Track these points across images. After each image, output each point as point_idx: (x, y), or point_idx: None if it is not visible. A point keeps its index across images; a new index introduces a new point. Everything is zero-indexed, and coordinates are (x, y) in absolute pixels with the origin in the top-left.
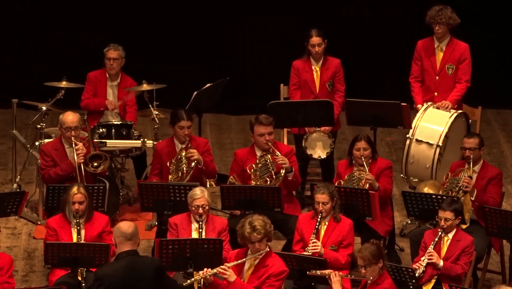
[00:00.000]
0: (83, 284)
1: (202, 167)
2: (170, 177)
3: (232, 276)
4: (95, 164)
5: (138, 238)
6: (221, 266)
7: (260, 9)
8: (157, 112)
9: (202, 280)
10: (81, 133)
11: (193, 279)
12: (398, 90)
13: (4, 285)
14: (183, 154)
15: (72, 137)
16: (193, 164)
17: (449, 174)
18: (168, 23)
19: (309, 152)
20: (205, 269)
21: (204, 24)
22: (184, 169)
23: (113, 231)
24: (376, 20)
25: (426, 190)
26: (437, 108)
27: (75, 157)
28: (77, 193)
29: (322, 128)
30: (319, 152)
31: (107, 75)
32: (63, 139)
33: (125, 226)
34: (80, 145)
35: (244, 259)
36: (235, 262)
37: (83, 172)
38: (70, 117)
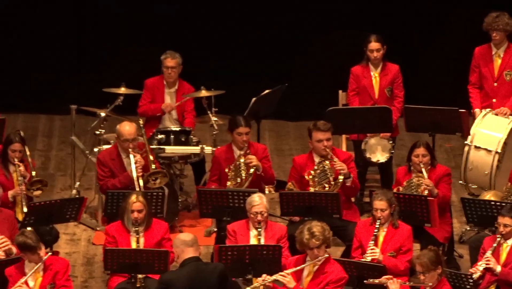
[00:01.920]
0: None
1: (261, 173)
2: (228, 183)
3: (291, 283)
4: (154, 178)
5: (198, 246)
6: (280, 273)
7: (319, 16)
8: (215, 119)
9: (261, 286)
10: (138, 139)
11: (252, 286)
12: (457, 97)
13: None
14: (242, 160)
15: (130, 149)
16: (251, 170)
17: (510, 183)
18: (227, 29)
19: (368, 155)
20: (264, 276)
21: (263, 30)
22: (243, 175)
23: (173, 243)
24: (434, 26)
25: (488, 197)
26: (496, 114)
27: (133, 170)
28: (136, 201)
29: (381, 134)
30: (378, 156)
31: (165, 82)
32: (120, 149)
33: (183, 235)
34: (138, 156)
35: (303, 265)
36: (294, 269)
37: (140, 184)
38: (127, 128)
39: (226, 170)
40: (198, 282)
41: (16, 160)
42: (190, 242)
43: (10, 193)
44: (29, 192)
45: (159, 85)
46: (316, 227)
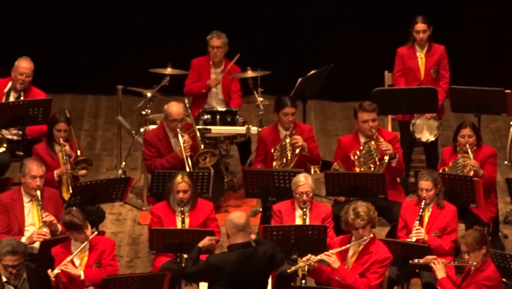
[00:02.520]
0: None
1: (307, 154)
2: (274, 163)
3: (336, 262)
4: (203, 158)
5: (250, 227)
6: (325, 253)
7: None
8: (261, 99)
9: (306, 266)
10: (185, 119)
11: (297, 265)
12: (503, 78)
13: (107, 268)
14: (288, 141)
15: (178, 129)
16: (297, 150)
17: None
18: (274, 10)
19: (417, 135)
20: (309, 255)
21: (310, 10)
22: (289, 155)
23: (225, 222)
24: (479, 7)
25: None
26: None
27: (182, 150)
28: (181, 182)
29: (427, 114)
30: (427, 135)
31: (211, 62)
32: (167, 129)
33: (236, 217)
34: (186, 136)
35: (348, 245)
36: (339, 249)
37: (189, 163)
38: (175, 108)
39: (272, 150)
40: (244, 269)
41: (61, 139)
42: (241, 226)
43: (56, 172)
44: (75, 171)
45: (205, 65)
46: (362, 207)
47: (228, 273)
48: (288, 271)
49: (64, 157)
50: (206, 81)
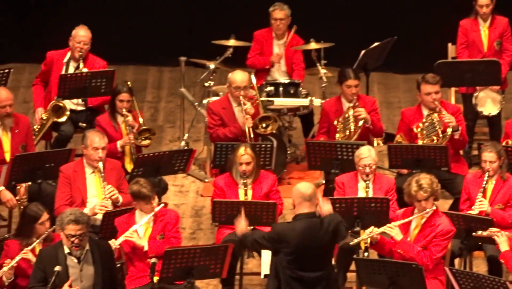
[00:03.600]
0: None
1: (370, 126)
2: (337, 135)
3: (398, 235)
4: (264, 125)
5: (316, 199)
6: (388, 225)
7: None
8: (324, 71)
9: (369, 238)
10: (249, 91)
11: (360, 238)
12: None
13: (170, 240)
14: (351, 113)
15: (241, 97)
16: (360, 123)
17: None
18: None
19: (479, 109)
20: (372, 228)
21: None
22: (352, 127)
23: (292, 192)
24: None
25: None
26: None
27: (245, 121)
28: (244, 154)
29: (490, 87)
30: (489, 108)
31: (274, 34)
32: (231, 98)
33: (304, 187)
34: (249, 104)
35: (411, 217)
36: (402, 221)
37: (251, 134)
38: (239, 76)
39: (335, 122)
40: (310, 239)
41: (124, 110)
42: (308, 196)
43: (119, 143)
44: (138, 142)
45: (268, 37)
46: (425, 179)
47: (293, 242)
48: (351, 243)
49: (127, 128)
50: (269, 55)
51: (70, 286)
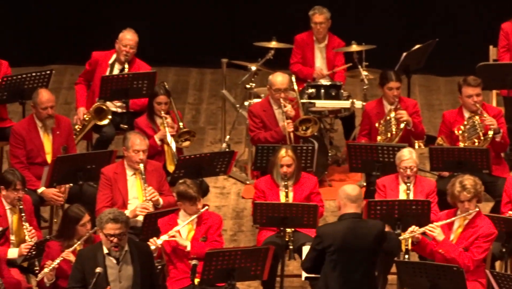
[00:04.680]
0: (291, 245)
1: (411, 128)
2: (379, 138)
3: (440, 235)
4: (304, 127)
5: (362, 201)
6: (430, 225)
7: None
8: (366, 73)
9: (410, 239)
10: (290, 94)
11: (401, 237)
12: None
13: (213, 244)
14: (392, 115)
15: (281, 99)
16: (402, 125)
17: None
18: None
19: None
20: (413, 227)
21: None
22: (393, 130)
23: (338, 193)
24: None
25: None
26: None
27: (286, 125)
28: (285, 155)
29: None
30: None
31: (314, 38)
32: (271, 100)
33: (350, 188)
34: (289, 106)
35: (453, 218)
36: (444, 221)
37: (292, 138)
38: (279, 78)
39: (377, 125)
40: (353, 240)
41: (162, 112)
42: (354, 197)
43: (157, 137)
44: (178, 144)
45: (308, 40)
46: (468, 180)
47: (336, 241)
48: (400, 238)
49: (167, 129)
50: (310, 58)
51: None
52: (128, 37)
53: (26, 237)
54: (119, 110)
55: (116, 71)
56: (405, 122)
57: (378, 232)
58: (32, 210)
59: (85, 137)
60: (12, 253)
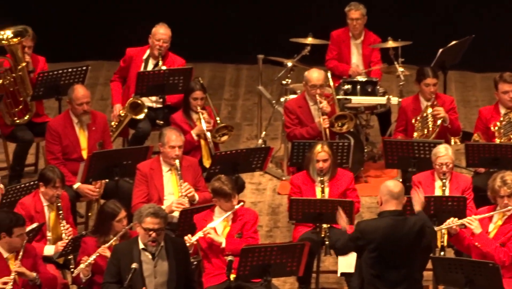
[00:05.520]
0: (326, 241)
1: (448, 125)
2: (415, 134)
3: (478, 228)
4: (340, 123)
5: (404, 198)
6: (469, 217)
7: None
8: (402, 69)
9: (446, 234)
10: (326, 90)
11: (438, 227)
12: None
13: (248, 240)
14: (429, 112)
15: (317, 95)
16: (439, 122)
17: None
18: None
19: None
20: (451, 219)
21: None
22: (430, 126)
23: (380, 189)
24: None
25: None
26: None
27: (321, 121)
28: (321, 151)
29: None
30: None
31: (350, 34)
32: (307, 96)
33: (392, 184)
34: (325, 103)
35: (492, 213)
36: (483, 215)
37: (328, 134)
38: (315, 75)
39: (413, 121)
40: (394, 236)
41: (198, 108)
42: (396, 194)
43: (194, 132)
44: (216, 139)
45: (344, 37)
46: (510, 176)
47: (377, 238)
48: (436, 228)
49: (203, 124)
50: (347, 55)
51: None
52: (161, 32)
53: (63, 235)
54: (155, 105)
55: (150, 66)
56: (442, 119)
57: (419, 229)
58: (69, 207)
59: (121, 134)
60: (48, 250)
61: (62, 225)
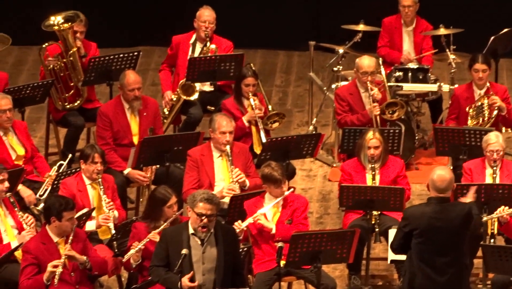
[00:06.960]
0: (377, 228)
1: (505, 115)
2: (469, 122)
3: None
4: (391, 111)
5: (453, 185)
6: None
7: None
8: (454, 57)
9: (496, 221)
10: (377, 77)
11: (489, 216)
12: None
13: (298, 226)
14: (485, 101)
15: (368, 82)
16: (495, 112)
17: None
18: None
19: None
20: (502, 207)
21: None
22: (486, 115)
23: (430, 175)
24: None
25: None
26: None
27: (372, 108)
28: (372, 138)
29: None
30: None
31: (402, 21)
32: (358, 83)
33: (442, 171)
34: (376, 90)
35: None
36: None
37: (379, 121)
38: (366, 61)
39: (467, 109)
40: (440, 222)
41: (250, 94)
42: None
43: (245, 118)
44: (267, 126)
45: (396, 24)
46: None
47: (423, 223)
48: (484, 219)
49: (256, 111)
50: (398, 42)
51: (191, 280)
52: (206, 14)
53: (104, 208)
54: (207, 89)
55: (198, 49)
56: (498, 108)
57: (466, 214)
58: (115, 189)
59: (174, 121)
60: (90, 225)
61: (103, 198)
